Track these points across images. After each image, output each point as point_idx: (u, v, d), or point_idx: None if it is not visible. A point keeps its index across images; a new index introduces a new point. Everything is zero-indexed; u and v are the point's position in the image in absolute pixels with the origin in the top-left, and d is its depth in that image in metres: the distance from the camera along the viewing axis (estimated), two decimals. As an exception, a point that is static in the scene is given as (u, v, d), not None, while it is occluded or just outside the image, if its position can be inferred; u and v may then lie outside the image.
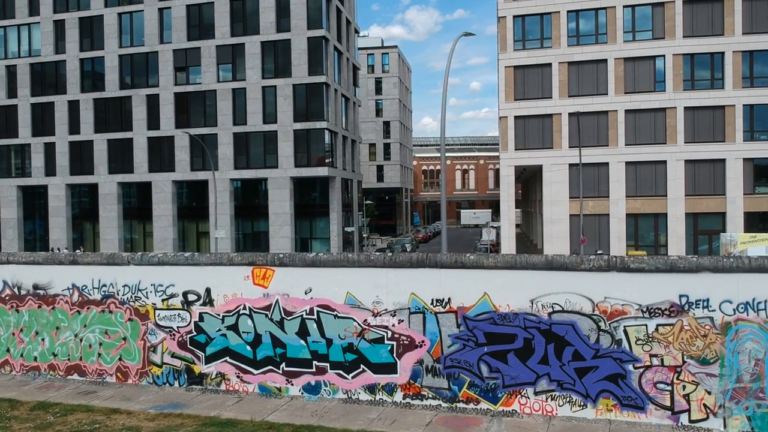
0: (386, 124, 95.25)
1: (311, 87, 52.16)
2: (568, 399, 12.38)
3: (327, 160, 52.76)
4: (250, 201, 55.01)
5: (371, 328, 13.56)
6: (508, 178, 47.51)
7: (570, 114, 44.29)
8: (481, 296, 12.81)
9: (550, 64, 46.44)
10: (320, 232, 54.09)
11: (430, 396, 13.18)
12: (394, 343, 13.41)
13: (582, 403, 12.30)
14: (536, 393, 12.56)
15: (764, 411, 11.40)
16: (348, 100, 60.37)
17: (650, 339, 11.90)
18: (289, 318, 14.14)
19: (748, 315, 11.45)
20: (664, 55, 44.54)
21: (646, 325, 11.94)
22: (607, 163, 45.23)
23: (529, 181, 65.06)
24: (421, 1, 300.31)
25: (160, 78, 56.17)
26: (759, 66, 43.55)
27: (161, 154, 56.18)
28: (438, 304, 13.10)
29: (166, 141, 55.91)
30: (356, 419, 12.69)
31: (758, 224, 43.04)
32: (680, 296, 11.76)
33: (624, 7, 45.04)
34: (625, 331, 12.04)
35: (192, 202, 57.18)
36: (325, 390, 13.95)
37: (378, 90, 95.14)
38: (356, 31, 64.38)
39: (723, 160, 43.72)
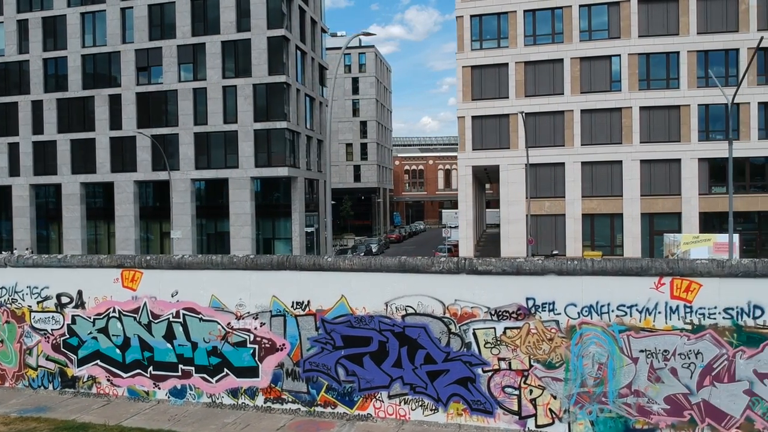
0: (363, 123, 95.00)
1: (271, 87, 51.91)
2: (420, 403, 12.21)
3: (288, 160, 52.47)
4: (213, 201, 54.75)
5: (235, 332, 13.40)
6: (466, 178, 47.32)
7: (527, 114, 44.08)
8: (339, 299, 12.64)
9: (506, 64, 46.27)
10: (283, 233, 53.87)
11: (290, 400, 13.01)
12: (256, 346, 13.24)
13: (433, 407, 12.13)
14: (390, 397, 12.39)
15: (607, 416, 11.25)
16: (313, 100, 60.14)
17: (498, 342, 11.74)
18: (156, 321, 13.95)
19: (591, 318, 11.29)
20: (619, 55, 44.42)
21: (494, 328, 11.78)
22: (563, 163, 45.08)
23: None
24: (421, 0, 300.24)
25: (122, 78, 55.85)
26: (714, 66, 43.46)
27: (123, 154, 55.87)
28: (298, 306, 12.93)
29: (128, 141, 55.60)
30: (211, 424, 12.52)
31: (714, 224, 42.98)
32: (527, 299, 11.60)
33: (580, 6, 44.91)
34: (475, 334, 11.87)
35: (156, 203, 56.91)
36: (190, 394, 13.77)
37: (355, 90, 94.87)
38: (323, 31, 64.13)
39: (678, 160, 43.61)
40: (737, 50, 42.97)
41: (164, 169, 53.57)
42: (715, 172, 43.95)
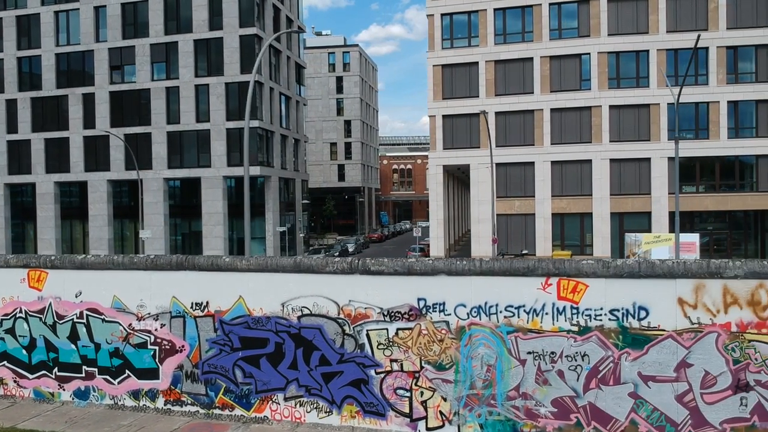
0: (347, 123, 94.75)
1: (244, 85, 51.63)
2: (315, 405, 12.02)
3: (261, 159, 52.21)
4: (187, 201, 54.53)
5: (136, 333, 13.19)
6: (437, 177, 47.12)
7: (497, 113, 43.90)
8: (237, 300, 12.45)
9: (477, 63, 46.06)
10: (257, 232, 53.59)
11: (190, 402, 12.80)
12: (157, 348, 13.03)
13: (328, 410, 11.93)
14: (286, 399, 12.19)
15: (496, 419, 11.04)
16: (290, 99, 59.86)
17: (391, 343, 11.53)
18: (61, 322, 13.73)
19: (480, 319, 11.09)
20: (589, 54, 44.24)
21: (387, 329, 11.57)
22: (533, 163, 44.89)
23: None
24: (421, 0, 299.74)
25: (96, 77, 55.59)
26: (683, 64, 43.31)
27: (97, 154, 55.60)
28: (197, 307, 12.72)
29: (101, 140, 55.31)
30: (106, 426, 12.32)
31: (684, 224, 42.80)
32: (419, 299, 11.40)
33: (550, 4, 44.71)
34: (368, 335, 11.67)
35: (131, 202, 56.63)
36: (93, 395, 13.56)
37: (339, 89, 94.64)
38: (300, 30, 63.74)
39: (648, 159, 43.44)
40: (707, 49, 42.81)
41: (137, 167, 53.22)
42: (685, 171, 43.78)
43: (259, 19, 52.76)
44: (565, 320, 10.64)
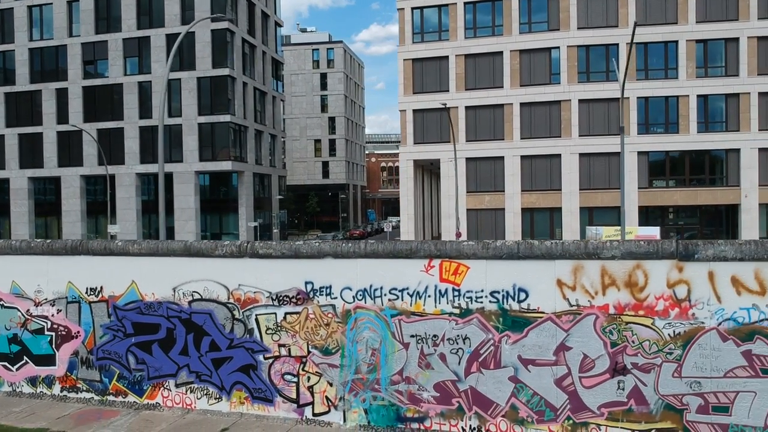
0: (332, 119, 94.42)
1: (215, 80, 51.39)
2: (205, 391, 11.81)
3: (233, 155, 51.93)
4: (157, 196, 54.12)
5: (33, 319, 12.96)
6: (407, 172, 46.86)
7: (467, 107, 43.64)
8: (130, 284, 12.23)
9: (447, 57, 45.78)
10: (231, 228, 53.36)
11: (85, 389, 12.59)
12: (53, 334, 12.82)
13: (218, 396, 11.73)
14: (177, 385, 11.98)
15: (380, 404, 10.83)
16: (265, 94, 59.55)
17: (279, 328, 11.32)
18: (-39, 308, 13.46)
19: (366, 302, 10.87)
20: (559, 47, 43.98)
21: (275, 314, 11.36)
22: (502, 157, 44.63)
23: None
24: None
25: (69, 72, 55.26)
26: (653, 58, 43.11)
27: (70, 149, 55.28)
28: (92, 293, 12.51)
29: (74, 135, 54.94)
30: (-4, 414, 12.07)
31: (654, 218, 42.66)
32: (306, 283, 11.18)
33: (520, -3, 44.52)
34: (257, 320, 11.46)
35: (105, 197, 56.27)
36: (-8, 383, 13.32)
37: (323, 85, 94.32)
38: (278, 25, 63.55)
39: (617, 154, 43.09)
40: (676, 42, 42.61)
41: (110, 163, 53.00)
42: (654, 165, 43.60)
43: (231, 13, 52.41)
44: (447, 303, 10.43)
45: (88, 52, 54.99)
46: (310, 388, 11.20)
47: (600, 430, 9.78)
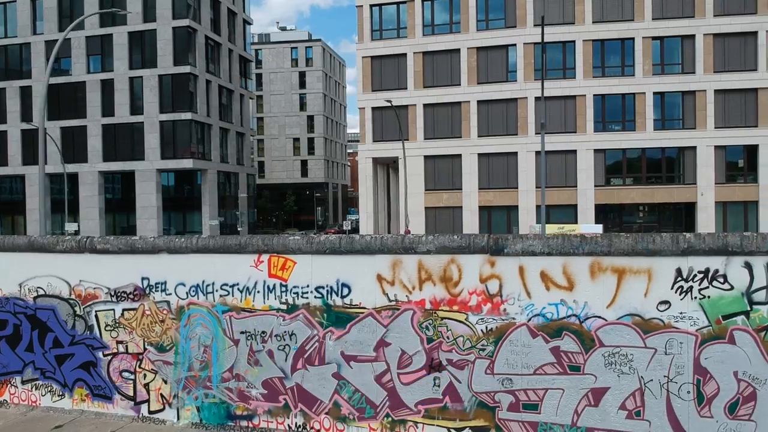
0: (310, 118, 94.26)
1: (177, 77, 51.24)
2: (49, 388, 11.63)
3: (196, 152, 51.77)
4: (123, 194, 54.07)
5: None
6: (366, 170, 46.74)
7: (425, 105, 43.52)
8: (-22, 280, 12.02)
9: (405, 55, 45.66)
10: (196, 226, 53.22)
11: (-65, 387, 12.37)
12: None
13: (61, 393, 11.55)
14: (23, 382, 11.80)
15: (211, 401, 10.66)
16: (232, 92, 59.36)
17: (117, 324, 11.13)
18: None
19: (198, 299, 10.70)
20: (515, 45, 43.87)
21: (114, 310, 11.17)
22: (460, 155, 44.51)
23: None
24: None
25: (33, 70, 55.05)
26: (610, 55, 43.05)
27: (35, 147, 54.95)
28: (-54, 289, 12.30)
29: (38, 133, 54.66)
30: None
31: (610, 216, 42.61)
32: (143, 279, 11.00)
33: (478, -5, 44.39)
34: (96, 316, 11.27)
35: (70, 195, 56.13)
36: None
37: (302, 84, 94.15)
38: (247, 23, 63.36)
39: (574, 152, 43.12)
40: (632, 39, 42.52)
41: (73, 161, 52.83)
42: (612, 163, 43.54)
43: (193, 11, 52.23)
44: (275, 298, 10.26)
45: (52, 49, 54.61)
46: (146, 386, 11.02)
47: (417, 427, 9.64)
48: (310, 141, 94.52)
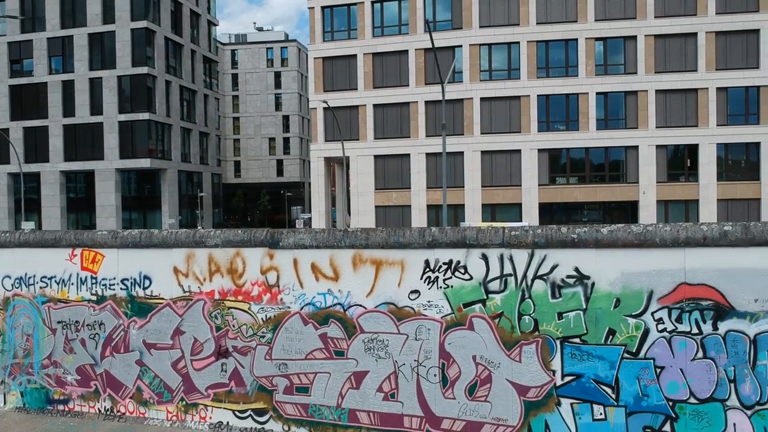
0: (285, 118, 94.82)
1: (135, 78, 51.84)
2: None
3: (153, 151, 52.37)
4: (84, 194, 54.63)
5: None
6: (318, 169, 47.35)
7: (375, 105, 44.16)
8: None
9: (355, 56, 46.28)
10: (157, 225, 53.78)
11: None
12: None
13: None
14: None
15: (33, 386, 11.33)
16: (195, 92, 59.95)
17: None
18: None
19: (22, 290, 11.37)
20: (461, 46, 44.51)
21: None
22: (408, 155, 45.16)
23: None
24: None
25: (-5, 71, 55.72)
26: (554, 56, 43.68)
27: (-2, 147, 55.73)
28: None
29: (1, 133, 55.30)
30: None
31: (554, 215, 43.28)
32: (-13, 273, 11.64)
33: (425, -4, 45.01)
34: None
35: (34, 195, 56.70)
36: None
37: (277, 84, 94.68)
38: (212, 24, 63.93)
39: (519, 151, 43.79)
40: (576, 40, 43.20)
41: (35, 161, 53.42)
42: (555, 163, 44.21)
43: (152, 12, 52.84)
44: (87, 290, 10.94)
45: (15, 51, 55.38)
46: (-24, 373, 11.65)
47: (207, 410, 10.31)
48: (286, 141, 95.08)
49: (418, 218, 44.81)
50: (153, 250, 10.56)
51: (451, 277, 9.03)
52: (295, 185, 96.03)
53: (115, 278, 10.78)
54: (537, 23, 43.28)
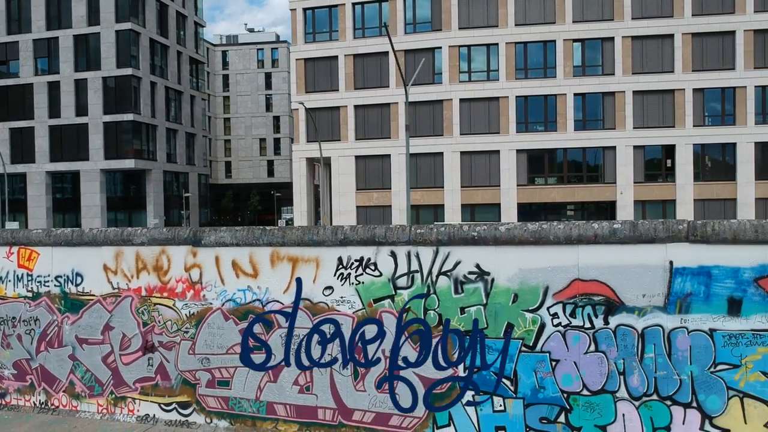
0: (276, 118, 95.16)
1: (120, 79, 52.16)
2: None
3: (138, 152, 52.70)
4: (70, 194, 54.95)
5: None
6: (300, 170, 47.67)
7: (356, 106, 44.48)
8: None
9: (336, 57, 46.61)
10: (143, 225, 54.03)
11: None
12: None
13: None
14: None
15: None
16: (181, 93, 60.25)
17: None
18: None
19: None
20: (441, 47, 44.84)
21: None
22: (389, 155, 45.47)
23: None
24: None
25: (-19, 72, 55.98)
26: (532, 57, 44.01)
27: (-18, 148, 55.98)
28: None
29: (-15, 135, 55.82)
30: None
31: (533, 215, 43.58)
32: None
33: (405, -1, 45.34)
34: None
35: (20, 195, 56.98)
36: None
37: (268, 85, 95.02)
38: (199, 25, 64.25)
39: (497, 152, 44.11)
40: (554, 42, 43.54)
41: (21, 161, 53.71)
42: (533, 163, 44.53)
43: (137, 14, 53.18)
44: (23, 287, 11.25)
45: (1, 52, 55.65)
46: None
47: (135, 403, 10.62)
48: (276, 141, 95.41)
49: (399, 218, 45.12)
50: (84, 248, 10.87)
51: (362, 274, 9.31)
52: (285, 185, 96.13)
53: (49, 275, 11.09)
54: (515, 25, 43.62)
